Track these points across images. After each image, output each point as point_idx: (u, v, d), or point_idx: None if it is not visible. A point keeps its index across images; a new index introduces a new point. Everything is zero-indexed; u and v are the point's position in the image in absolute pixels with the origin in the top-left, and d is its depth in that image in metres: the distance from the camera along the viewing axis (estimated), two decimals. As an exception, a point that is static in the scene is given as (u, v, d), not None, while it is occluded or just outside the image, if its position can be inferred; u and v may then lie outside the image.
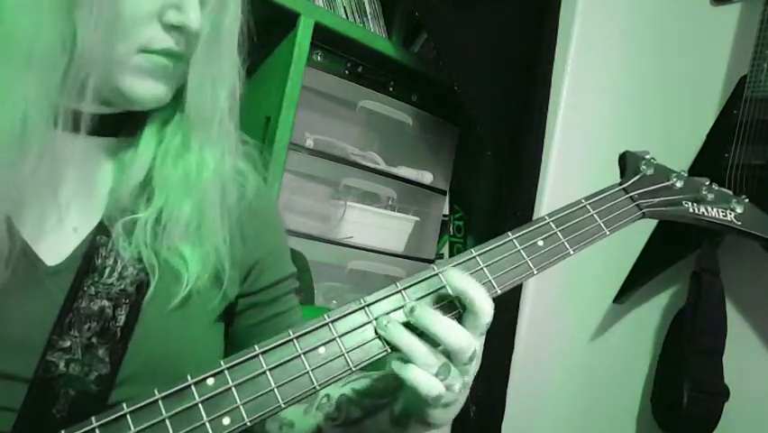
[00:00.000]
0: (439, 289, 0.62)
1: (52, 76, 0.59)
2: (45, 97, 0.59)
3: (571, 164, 1.90)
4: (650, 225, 1.61)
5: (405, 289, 0.62)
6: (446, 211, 2.04)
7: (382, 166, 1.85)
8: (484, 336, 0.63)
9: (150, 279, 0.66)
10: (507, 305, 1.79)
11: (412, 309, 0.59)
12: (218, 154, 0.72)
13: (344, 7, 1.68)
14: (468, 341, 0.59)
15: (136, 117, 0.71)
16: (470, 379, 0.63)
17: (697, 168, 1.56)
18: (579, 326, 1.86)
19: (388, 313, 0.60)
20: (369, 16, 1.74)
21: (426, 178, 1.96)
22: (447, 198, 2.03)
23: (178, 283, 0.67)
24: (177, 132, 0.71)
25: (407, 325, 0.60)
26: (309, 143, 1.66)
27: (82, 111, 0.63)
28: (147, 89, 0.66)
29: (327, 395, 0.75)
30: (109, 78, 0.64)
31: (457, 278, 0.61)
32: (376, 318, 0.60)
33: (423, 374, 0.58)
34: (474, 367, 0.62)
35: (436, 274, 0.63)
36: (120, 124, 0.71)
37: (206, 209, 0.70)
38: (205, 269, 0.69)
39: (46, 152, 0.61)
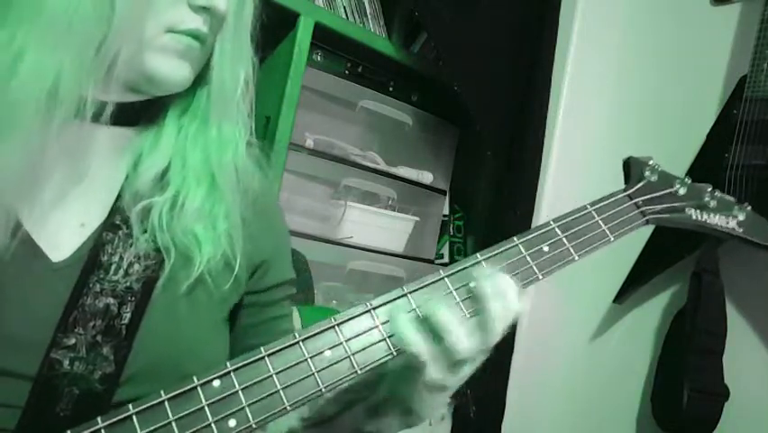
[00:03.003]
0: (445, 294, 0.63)
1: (87, 47, 0.60)
2: (78, 69, 0.60)
3: (571, 164, 1.91)
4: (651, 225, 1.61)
5: (411, 292, 0.62)
6: (446, 211, 2.04)
7: (382, 166, 1.85)
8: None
9: (165, 263, 0.66)
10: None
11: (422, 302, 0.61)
12: (236, 135, 0.74)
13: (344, 7, 1.68)
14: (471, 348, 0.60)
15: (155, 107, 0.71)
16: (469, 371, 0.63)
17: (697, 168, 1.57)
18: (579, 326, 1.86)
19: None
20: (369, 16, 1.74)
21: (426, 178, 1.96)
22: (447, 198, 2.03)
23: (190, 265, 0.67)
24: (195, 116, 0.72)
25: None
26: (309, 143, 1.66)
27: (104, 101, 0.64)
28: (172, 69, 0.67)
29: None
30: (137, 60, 0.65)
31: (491, 289, 0.60)
32: (383, 323, 0.60)
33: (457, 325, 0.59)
34: (472, 370, 0.63)
35: (442, 279, 0.63)
36: (139, 115, 0.71)
37: (220, 192, 0.71)
38: (216, 251, 0.69)
39: (63, 140, 0.61)
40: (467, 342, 0.59)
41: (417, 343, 0.59)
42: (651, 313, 1.72)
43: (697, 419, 1.49)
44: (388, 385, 0.67)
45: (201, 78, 0.72)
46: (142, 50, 0.65)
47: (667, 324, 1.63)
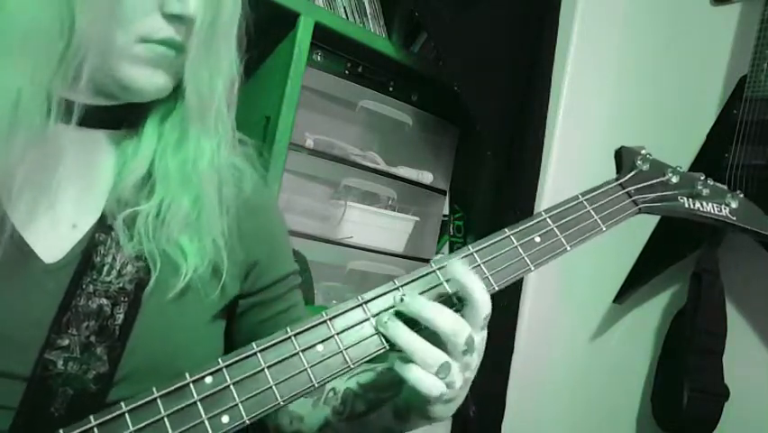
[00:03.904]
0: (436, 285, 0.63)
1: (48, 61, 0.59)
2: (39, 82, 0.59)
3: (571, 164, 1.90)
4: (650, 224, 1.61)
5: (402, 285, 0.62)
6: (446, 211, 2.03)
7: (382, 166, 1.85)
8: (485, 331, 0.63)
9: (152, 272, 0.66)
10: (508, 304, 1.79)
11: (402, 298, 0.60)
12: (214, 144, 0.72)
13: (344, 7, 1.68)
14: (460, 325, 0.59)
15: (138, 109, 0.71)
16: (471, 374, 0.63)
17: (697, 168, 1.56)
18: (579, 326, 1.86)
19: (386, 310, 0.61)
20: (369, 16, 1.74)
21: (426, 178, 1.96)
22: (447, 198, 2.03)
23: (176, 275, 0.67)
24: (175, 124, 0.71)
25: (406, 321, 0.60)
26: (309, 143, 1.66)
27: (76, 101, 0.63)
28: (147, 79, 0.66)
29: (333, 389, 0.76)
30: (110, 69, 0.64)
31: (457, 271, 0.61)
32: (375, 315, 0.60)
33: (424, 374, 0.59)
34: (475, 361, 0.63)
35: (433, 271, 0.63)
36: (122, 117, 0.71)
37: (204, 201, 0.71)
38: (203, 261, 0.69)
39: (40, 141, 0.61)
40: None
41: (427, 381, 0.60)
42: (651, 313, 1.72)
43: (697, 419, 1.49)
44: (407, 391, 0.67)
45: (180, 86, 0.71)
46: (114, 61, 0.64)
47: (667, 324, 1.63)
